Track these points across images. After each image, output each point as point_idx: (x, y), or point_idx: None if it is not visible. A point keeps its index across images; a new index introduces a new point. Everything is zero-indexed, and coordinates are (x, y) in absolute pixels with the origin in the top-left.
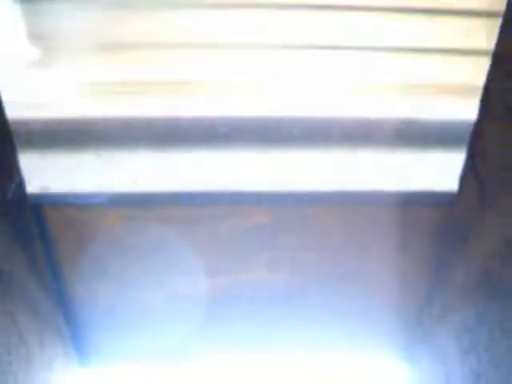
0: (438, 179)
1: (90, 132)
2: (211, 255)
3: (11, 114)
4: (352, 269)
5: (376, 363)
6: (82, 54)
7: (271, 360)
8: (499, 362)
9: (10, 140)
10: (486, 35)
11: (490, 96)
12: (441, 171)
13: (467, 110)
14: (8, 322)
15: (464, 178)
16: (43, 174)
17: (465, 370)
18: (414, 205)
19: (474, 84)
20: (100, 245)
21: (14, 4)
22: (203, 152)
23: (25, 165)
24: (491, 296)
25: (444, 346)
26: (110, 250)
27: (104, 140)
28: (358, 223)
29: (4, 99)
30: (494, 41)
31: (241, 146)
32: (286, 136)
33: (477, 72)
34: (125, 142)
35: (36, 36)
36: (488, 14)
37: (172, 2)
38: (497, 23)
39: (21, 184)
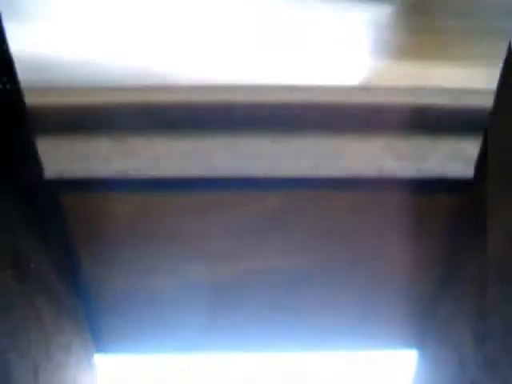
0: (454, 166)
1: (106, 118)
2: (224, 242)
3: (28, 99)
4: (364, 256)
5: (389, 351)
6: None
7: (286, 347)
8: None
9: (27, 125)
10: None
11: (506, 82)
12: (456, 158)
13: (484, 97)
14: (27, 306)
15: (480, 165)
16: (59, 159)
17: (479, 358)
18: (428, 192)
19: None
20: (116, 231)
21: None
22: (217, 138)
23: (41, 150)
24: (506, 284)
25: (458, 334)
26: (126, 236)
27: (119, 126)
28: (371, 210)
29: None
30: None
31: (255, 132)
32: (299, 122)
33: None
34: (140, 128)
35: None
36: None
37: None
38: None
39: (37, 170)
